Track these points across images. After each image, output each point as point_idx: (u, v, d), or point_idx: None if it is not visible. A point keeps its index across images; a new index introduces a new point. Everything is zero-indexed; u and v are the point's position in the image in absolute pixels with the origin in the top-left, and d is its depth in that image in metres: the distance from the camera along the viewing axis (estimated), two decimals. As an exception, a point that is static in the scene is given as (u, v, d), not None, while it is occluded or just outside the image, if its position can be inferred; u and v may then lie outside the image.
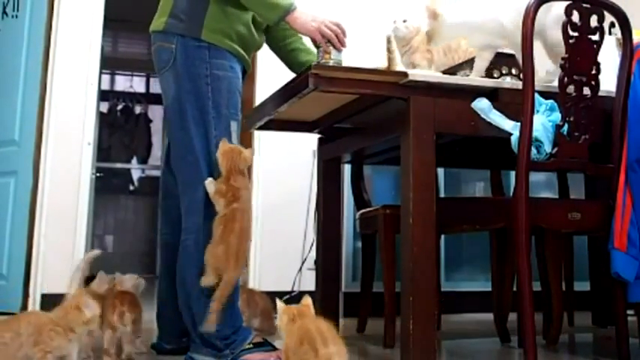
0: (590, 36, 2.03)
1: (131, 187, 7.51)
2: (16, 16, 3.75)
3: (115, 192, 7.28)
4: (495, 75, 2.17)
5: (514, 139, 1.98)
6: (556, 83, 2.04)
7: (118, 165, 7.32)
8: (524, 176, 1.95)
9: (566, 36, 2.00)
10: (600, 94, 2.06)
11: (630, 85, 2.10)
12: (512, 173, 2.41)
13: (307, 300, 1.61)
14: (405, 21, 2.20)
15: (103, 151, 6.87)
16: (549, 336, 2.48)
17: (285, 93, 2.15)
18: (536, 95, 1.98)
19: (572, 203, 2.39)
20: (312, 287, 2.91)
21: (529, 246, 1.98)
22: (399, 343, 2.00)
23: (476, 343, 2.84)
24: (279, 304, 1.62)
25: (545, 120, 2.01)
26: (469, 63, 2.27)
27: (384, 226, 2.53)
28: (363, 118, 2.35)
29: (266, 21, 2.11)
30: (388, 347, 2.46)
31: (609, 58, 2.22)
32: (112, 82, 7.60)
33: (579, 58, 2.02)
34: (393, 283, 2.51)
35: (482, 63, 2.17)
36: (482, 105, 1.99)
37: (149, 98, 7.56)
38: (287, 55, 2.40)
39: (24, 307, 3.44)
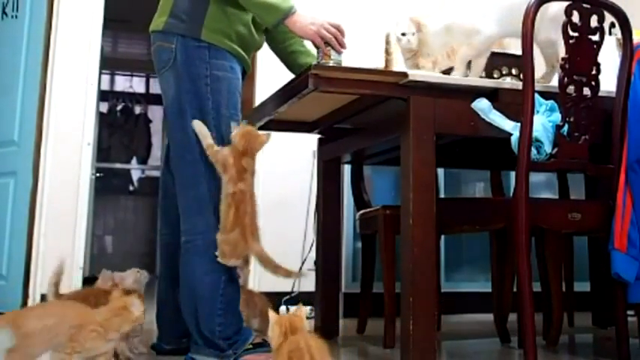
0: (590, 36, 2.03)
1: (131, 188, 7.51)
2: (16, 17, 3.74)
3: (115, 192, 7.28)
4: (495, 75, 2.17)
5: (514, 139, 1.97)
6: (554, 84, 2.05)
7: (118, 165, 7.32)
8: (525, 177, 1.95)
9: (566, 36, 2.00)
10: (600, 94, 2.06)
11: (630, 85, 2.10)
12: (513, 174, 2.41)
13: (300, 311, 1.58)
14: (404, 34, 2.20)
15: (102, 152, 6.88)
16: (549, 337, 2.48)
17: (285, 93, 2.15)
18: (537, 95, 1.98)
19: (573, 204, 2.38)
20: (312, 288, 2.91)
21: (529, 246, 1.98)
22: (399, 343, 2.00)
23: (476, 344, 2.84)
24: (272, 314, 1.60)
25: (545, 120, 2.00)
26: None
27: (384, 226, 2.53)
28: (363, 119, 2.35)
29: (265, 23, 2.11)
30: (388, 348, 2.46)
31: (609, 58, 2.22)
32: (112, 82, 7.60)
33: (579, 58, 2.02)
34: (393, 283, 2.51)
35: (479, 62, 2.17)
36: (482, 105, 1.99)
37: (149, 98, 7.56)
38: (287, 56, 2.40)
39: (24, 307, 3.44)
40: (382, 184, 3.57)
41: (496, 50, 2.30)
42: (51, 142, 3.56)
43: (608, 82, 2.11)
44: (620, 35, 2.14)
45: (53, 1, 3.66)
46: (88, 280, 2.28)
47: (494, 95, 2.04)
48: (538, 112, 2.01)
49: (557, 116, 2.02)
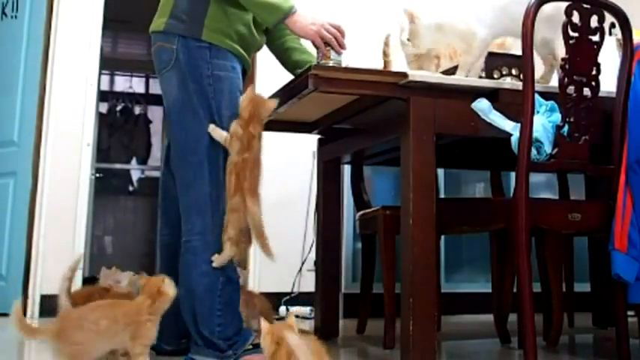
0: (590, 36, 2.03)
1: (130, 188, 7.49)
2: (16, 17, 3.75)
3: (115, 193, 7.27)
4: (495, 76, 2.17)
5: (514, 139, 1.97)
6: (554, 84, 2.05)
7: (118, 166, 7.31)
8: (525, 177, 1.95)
9: (566, 36, 2.00)
10: (600, 94, 2.06)
11: (630, 85, 2.10)
12: (513, 174, 2.41)
13: (291, 319, 1.56)
14: (409, 40, 2.21)
15: (102, 152, 6.87)
16: (549, 337, 2.48)
17: (285, 93, 2.15)
18: (537, 96, 1.98)
19: (573, 204, 2.38)
20: (311, 288, 2.91)
21: (529, 247, 1.97)
22: (399, 344, 2.00)
23: (476, 344, 2.84)
24: (263, 323, 1.60)
25: (545, 121, 2.00)
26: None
27: (384, 226, 2.53)
28: (363, 119, 2.35)
29: (265, 23, 2.11)
30: (388, 348, 2.45)
31: (609, 58, 2.22)
32: (112, 82, 7.59)
33: (579, 58, 2.02)
34: (393, 284, 2.51)
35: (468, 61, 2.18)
36: (482, 106, 1.99)
37: (148, 99, 7.55)
38: (282, 53, 2.40)
39: (23, 308, 3.43)
40: (382, 184, 3.57)
41: (496, 51, 2.30)
42: (50, 143, 3.56)
43: (609, 83, 2.11)
44: (620, 35, 2.14)
45: (53, 1, 3.67)
46: (88, 281, 2.27)
47: (494, 95, 2.04)
48: (538, 112, 2.01)
49: (557, 116, 2.02)
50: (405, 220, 1.94)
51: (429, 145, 1.96)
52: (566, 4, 2.00)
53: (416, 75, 1.97)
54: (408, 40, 2.16)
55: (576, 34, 2.00)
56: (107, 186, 7.07)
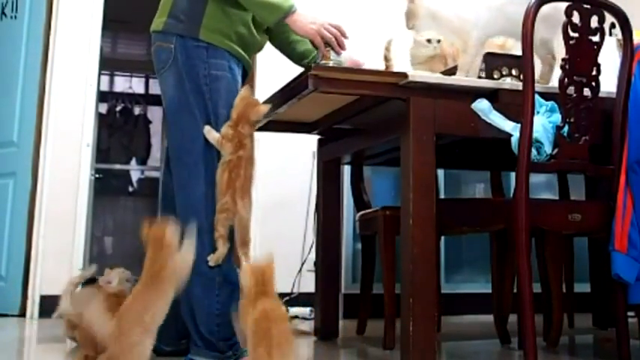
0: (590, 37, 2.03)
1: (130, 189, 7.49)
2: (15, 17, 3.74)
3: (114, 193, 7.26)
4: (495, 76, 2.17)
5: (514, 140, 1.97)
6: (554, 84, 2.04)
7: (117, 166, 7.30)
8: (525, 177, 1.94)
9: (566, 37, 1.99)
10: (601, 95, 2.06)
11: (631, 86, 2.10)
12: (513, 174, 2.40)
13: (271, 260, 1.59)
14: (429, 41, 2.23)
15: (102, 153, 6.86)
16: (549, 338, 2.48)
17: (285, 94, 2.14)
18: (537, 96, 1.98)
19: (573, 204, 2.38)
20: (311, 289, 2.91)
21: (529, 247, 1.97)
22: (399, 344, 2.00)
23: (476, 345, 2.84)
24: (244, 264, 1.67)
25: (545, 121, 2.00)
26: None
27: (384, 227, 2.53)
28: (363, 119, 2.35)
29: (265, 22, 2.10)
30: (388, 349, 2.45)
31: (610, 59, 2.22)
32: (111, 83, 7.59)
33: (580, 59, 2.01)
34: (393, 284, 2.50)
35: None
36: (482, 106, 1.99)
37: (148, 99, 7.55)
38: (286, 46, 2.39)
39: (23, 308, 3.44)
40: (382, 184, 3.56)
41: (496, 51, 2.30)
42: (50, 143, 3.56)
43: (609, 83, 2.11)
44: (620, 36, 2.14)
45: (52, 1, 3.66)
46: (88, 282, 2.27)
47: (494, 96, 2.04)
48: (538, 112, 2.01)
49: (557, 117, 2.01)
50: (405, 220, 1.93)
51: (429, 145, 1.95)
52: (565, 4, 2.00)
53: (416, 75, 1.97)
54: (411, 27, 2.17)
55: (576, 35, 2.00)
56: (107, 186, 7.06)
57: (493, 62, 2.19)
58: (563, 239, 2.69)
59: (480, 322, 3.41)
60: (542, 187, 3.65)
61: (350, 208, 3.36)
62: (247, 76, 2.26)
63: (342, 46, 2.10)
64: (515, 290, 2.15)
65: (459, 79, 2.08)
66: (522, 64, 1.98)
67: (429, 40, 2.31)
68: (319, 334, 2.74)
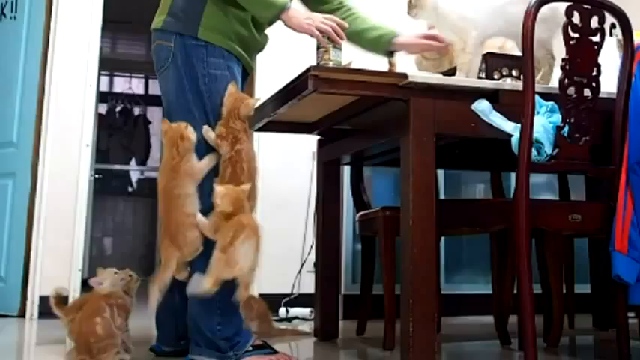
0: (590, 37, 2.02)
1: (130, 189, 7.50)
2: (15, 18, 3.74)
3: (114, 194, 7.27)
4: (496, 76, 2.17)
5: (514, 140, 1.97)
6: (554, 85, 2.04)
7: (117, 167, 7.31)
8: (525, 178, 1.94)
9: (566, 37, 1.99)
10: (601, 95, 2.06)
11: (631, 86, 2.09)
12: (513, 175, 2.41)
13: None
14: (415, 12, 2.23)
15: (101, 153, 6.87)
16: (550, 338, 2.48)
17: (285, 94, 2.14)
18: (537, 97, 1.97)
19: (573, 205, 2.38)
20: (311, 289, 2.91)
21: (529, 248, 1.97)
22: (399, 345, 1.99)
23: (476, 346, 2.84)
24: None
25: (545, 121, 2.00)
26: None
27: (384, 228, 2.52)
28: (363, 120, 2.34)
29: (261, 19, 2.10)
30: (388, 350, 2.45)
31: (610, 59, 2.22)
32: (111, 83, 7.59)
33: (580, 59, 2.01)
34: (393, 285, 2.50)
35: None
36: (482, 106, 1.99)
37: (148, 99, 7.55)
38: (355, 36, 2.39)
39: (22, 309, 3.43)
40: (382, 185, 3.56)
41: (496, 52, 2.30)
42: (50, 144, 3.56)
43: (609, 84, 2.11)
44: (620, 36, 2.14)
45: (52, 2, 3.66)
46: (87, 282, 2.26)
47: (494, 96, 2.03)
48: (538, 113, 2.00)
49: (557, 117, 2.01)
50: (405, 221, 1.93)
51: (429, 145, 1.95)
52: (565, 4, 1.99)
53: (416, 76, 1.97)
54: (414, 15, 2.17)
55: (577, 35, 2.00)
56: (106, 187, 7.07)
57: (493, 63, 2.19)
58: (564, 240, 2.69)
59: (480, 322, 3.40)
60: (543, 187, 3.65)
61: (350, 209, 3.35)
62: (248, 76, 2.26)
63: (341, 37, 2.10)
64: (515, 291, 2.15)
65: (459, 80, 2.08)
66: (522, 64, 1.97)
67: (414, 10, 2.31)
68: (319, 334, 2.74)
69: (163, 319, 2.25)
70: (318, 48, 2.15)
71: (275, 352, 2.06)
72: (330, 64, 2.09)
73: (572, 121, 2.02)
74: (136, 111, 7.51)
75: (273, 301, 3.19)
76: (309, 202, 3.70)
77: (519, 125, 1.95)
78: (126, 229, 7.20)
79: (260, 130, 2.69)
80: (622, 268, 2.02)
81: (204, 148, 2.00)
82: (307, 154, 3.69)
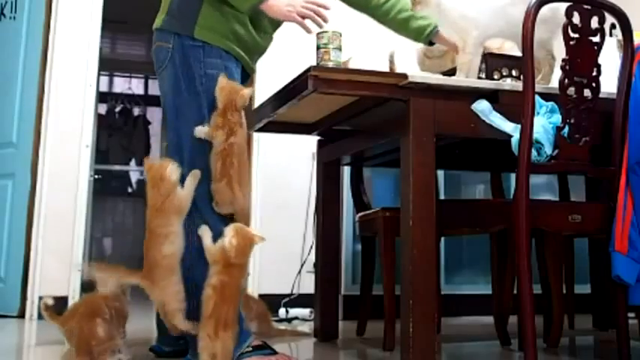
0: (590, 38, 2.02)
1: (129, 190, 7.50)
2: (14, 18, 3.74)
3: (114, 194, 7.27)
4: (496, 77, 2.17)
5: (514, 141, 1.97)
6: (554, 85, 2.04)
7: (117, 167, 7.31)
8: (525, 178, 1.94)
9: (566, 37, 1.99)
10: (601, 96, 2.05)
11: (631, 87, 2.09)
12: (513, 175, 2.40)
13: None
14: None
15: (101, 153, 6.86)
16: (550, 339, 2.47)
17: (285, 95, 2.14)
18: (537, 97, 1.97)
19: (573, 205, 2.38)
20: (311, 290, 2.90)
21: (529, 248, 1.97)
22: (399, 346, 1.99)
23: (476, 346, 2.83)
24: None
25: (545, 122, 2.00)
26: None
27: (384, 228, 2.52)
28: (363, 120, 2.34)
29: (241, 10, 2.09)
30: (388, 350, 2.45)
31: (610, 59, 2.21)
32: (111, 83, 7.59)
33: (580, 59, 2.01)
34: (393, 285, 2.50)
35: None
36: (482, 107, 1.99)
37: (147, 100, 7.55)
38: (399, 26, 2.38)
39: (22, 310, 3.43)
40: (382, 185, 3.56)
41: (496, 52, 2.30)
42: (49, 144, 3.56)
43: (609, 84, 2.11)
44: (620, 36, 2.14)
45: (51, 2, 3.66)
46: (87, 283, 2.26)
47: (494, 97, 2.03)
48: (538, 113, 2.00)
49: (557, 118, 2.01)
50: (405, 221, 1.93)
51: (429, 146, 1.95)
52: (565, 5, 1.99)
53: (416, 76, 1.97)
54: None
55: (577, 35, 2.00)
56: (106, 187, 7.06)
57: (493, 63, 2.19)
58: (564, 240, 2.69)
59: (480, 323, 3.40)
60: (543, 188, 3.65)
61: (350, 209, 3.35)
62: (249, 78, 2.25)
63: (324, 20, 2.09)
64: (515, 291, 2.15)
65: (459, 80, 2.08)
66: (522, 64, 1.97)
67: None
68: (319, 335, 2.73)
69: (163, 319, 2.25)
70: (318, 48, 2.15)
71: (275, 352, 2.06)
72: (330, 64, 2.08)
73: (572, 121, 2.02)
74: (136, 111, 7.51)
75: (272, 301, 3.19)
76: (309, 202, 3.70)
77: (519, 125, 1.95)
78: (125, 229, 7.20)
79: (260, 130, 2.69)
80: (622, 268, 2.02)
81: (201, 149, 2.00)
82: (307, 155, 3.69)
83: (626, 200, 2.05)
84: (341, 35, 2.18)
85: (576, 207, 2.25)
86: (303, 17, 2.05)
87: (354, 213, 3.05)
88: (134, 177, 7.56)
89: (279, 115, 2.31)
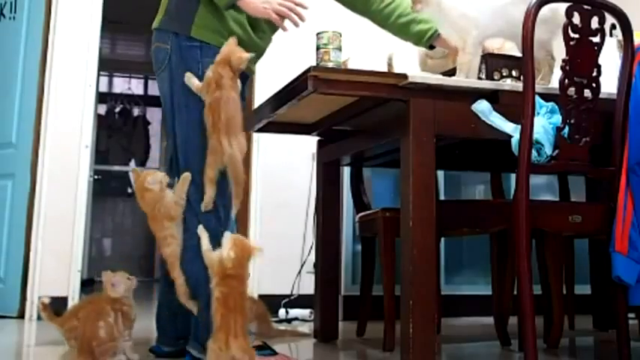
0: (590, 38, 2.02)
1: (129, 190, 7.49)
2: (14, 18, 3.74)
3: (113, 195, 7.26)
4: (496, 77, 2.17)
5: (514, 141, 1.96)
6: (554, 85, 2.04)
7: (116, 168, 7.30)
8: (525, 179, 1.94)
9: (566, 38, 1.99)
10: (601, 96, 2.05)
11: (631, 87, 2.09)
12: (513, 176, 2.40)
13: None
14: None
15: (100, 154, 6.86)
16: (550, 339, 2.47)
17: (284, 95, 2.14)
18: (537, 97, 1.97)
19: (573, 206, 2.37)
20: (311, 290, 2.90)
21: (529, 249, 1.97)
22: (398, 346, 1.99)
23: (476, 347, 2.83)
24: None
25: (545, 122, 2.00)
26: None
27: (384, 229, 2.52)
28: (363, 121, 2.34)
29: (219, 5, 2.08)
30: (388, 351, 2.44)
31: (610, 60, 2.21)
32: (110, 84, 7.59)
33: (580, 60, 2.01)
34: (393, 286, 2.50)
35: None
36: (482, 107, 1.98)
37: (147, 100, 7.55)
38: (399, 30, 2.38)
39: (22, 310, 3.43)
40: (382, 186, 3.56)
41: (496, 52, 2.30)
42: (49, 144, 3.55)
43: (609, 84, 2.11)
44: (620, 37, 2.14)
45: (51, 2, 3.66)
46: (86, 283, 2.26)
47: (494, 97, 2.03)
48: (539, 113, 2.00)
49: (557, 118, 2.01)
50: (405, 222, 1.93)
51: (429, 146, 1.95)
52: (564, 5, 1.99)
53: (416, 76, 1.96)
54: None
55: (577, 36, 2.00)
56: (106, 188, 7.06)
57: (493, 63, 2.18)
58: (564, 241, 2.68)
59: (480, 324, 3.40)
60: (543, 188, 3.65)
61: (350, 210, 3.35)
62: (248, 80, 2.25)
63: (301, 18, 2.08)
64: (515, 292, 2.15)
65: (459, 80, 2.08)
66: (522, 65, 1.97)
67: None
68: (319, 336, 2.73)
69: (163, 319, 2.25)
70: (317, 48, 2.14)
71: (275, 353, 2.06)
72: (330, 64, 2.08)
73: (572, 121, 2.01)
74: (136, 112, 7.51)
75: (272, 302, 3.18)
76: (309, 202, 3.69)
77: (519, 126, 1.95)
78: (125, 229, 7.20)
79: (260, 130, 2.69)
80: (622, 269, 2.02)
81: (197, 148, 1.99)
82: (307, 155, 3.68)
83: (627, 201, 2.05)
84: (341, 35, 2.18)
85: (576, 207, 2.25)
86: (281, 15, 2.04)
87: (354, 213, 3.04)
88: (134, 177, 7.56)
89: (278, 115, 2.31)
